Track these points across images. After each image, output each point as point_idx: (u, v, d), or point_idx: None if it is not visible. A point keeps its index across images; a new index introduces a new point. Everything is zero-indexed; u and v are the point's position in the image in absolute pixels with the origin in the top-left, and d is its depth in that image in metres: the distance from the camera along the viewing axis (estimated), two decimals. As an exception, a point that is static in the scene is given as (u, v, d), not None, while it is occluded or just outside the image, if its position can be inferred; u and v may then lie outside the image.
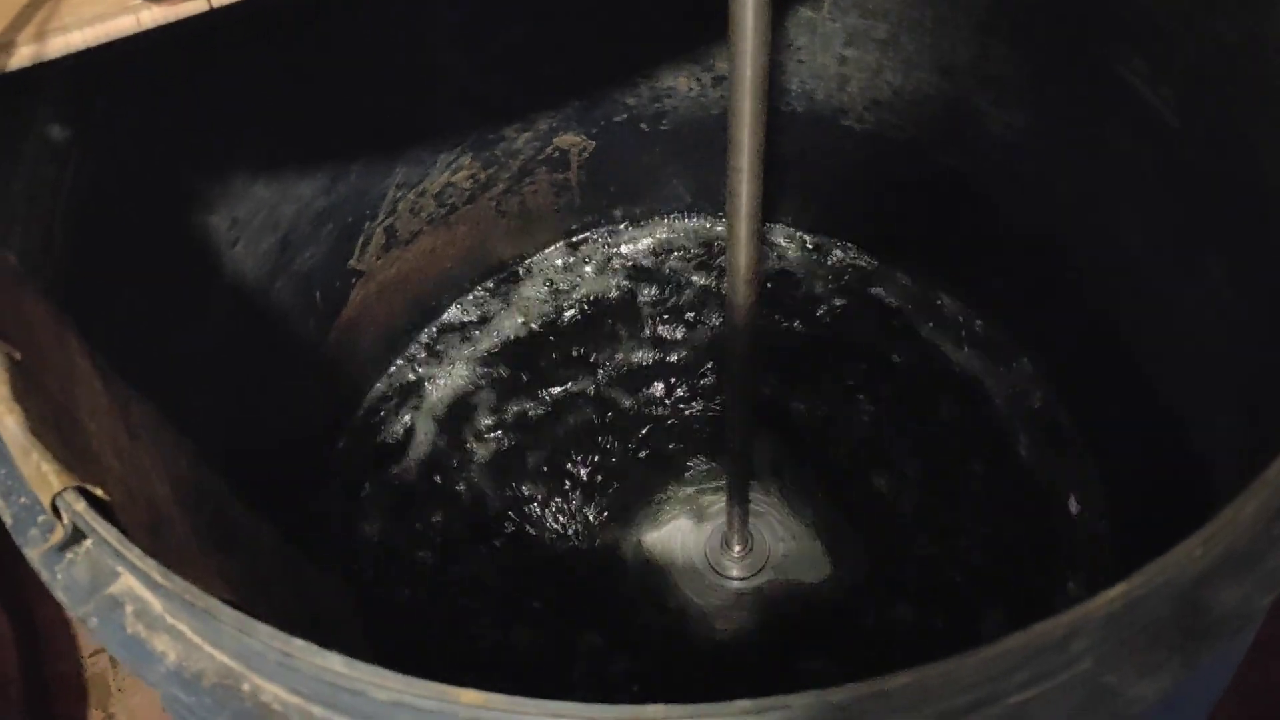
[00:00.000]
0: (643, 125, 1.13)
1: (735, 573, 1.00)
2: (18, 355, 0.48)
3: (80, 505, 0.44)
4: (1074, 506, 1.00)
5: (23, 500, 0.49)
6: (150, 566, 0.43)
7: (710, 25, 1.02)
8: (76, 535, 0.47)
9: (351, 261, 1.05)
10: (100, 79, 0.65)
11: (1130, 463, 0.97)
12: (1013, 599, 0.96)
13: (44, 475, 0.44)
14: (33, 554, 0.47)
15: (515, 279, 1.21)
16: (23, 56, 0.54)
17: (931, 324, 1.13)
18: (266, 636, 0.41)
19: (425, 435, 1.10)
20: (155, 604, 0.46)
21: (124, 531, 0.46)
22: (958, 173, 1.05)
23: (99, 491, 0.45)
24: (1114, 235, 0.93)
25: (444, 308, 1.18)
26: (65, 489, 0.44)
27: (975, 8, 0.92)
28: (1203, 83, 0.74)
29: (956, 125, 1.01)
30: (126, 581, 0.47)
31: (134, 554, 0.44)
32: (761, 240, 0.75)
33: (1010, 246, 1.06)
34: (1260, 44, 0.66)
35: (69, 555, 0.47)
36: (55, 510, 0.45)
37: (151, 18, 0.55)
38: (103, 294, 0.68)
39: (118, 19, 0.55)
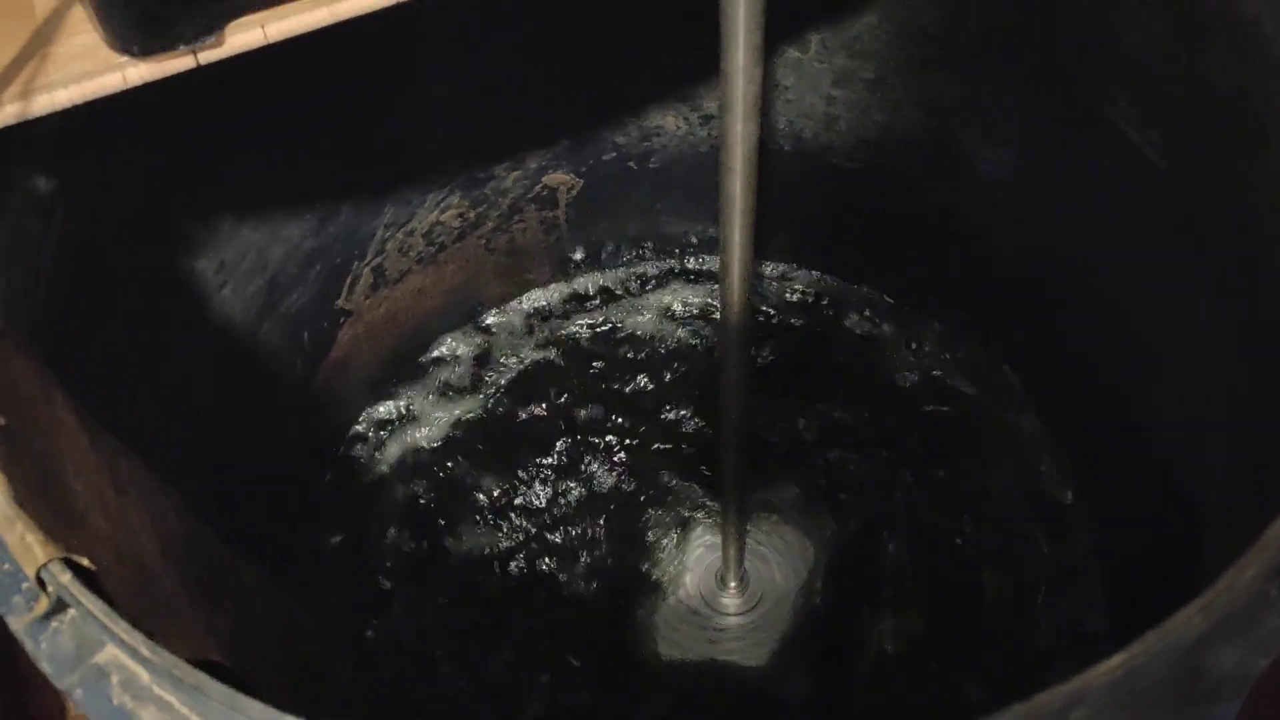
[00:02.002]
0: (631, 163, 1.13)
1: (731, 608, 1.00)
2: (2, 420, 0.48)
3: (66, 577, 0.43)
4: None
5: (6, 567, 0.48)
6: (138, 640, 0.42)
7: (698, 66, 1.03)
8: (61, 605, 0.46)
9: (339, 302, 1.04)
10: (86, 131, 0.65)
11: (1119, 503, 0.97)
12: (1007, 640, 0.96)
13: (29, 546, 0.44)
14: (16, 623, 0.46)
15: (504, 316, 1.20)
16: (7, 115, 0.54)
17: (921, 356, 1.13)
18: (258, 713, 0.40)
19: (413, 472, 1.10)
20: (142, 674, 0.46)
21: (111, 602, 0.45)
22: (947, 210, 1.05)
23: (85, 561, 0.44)
24: (1102, 274, 0.93)
25: (433, 346, 1.17)
26: (50, 560, 0.44)
27: (963, 49, 0.92)
28: (1189, 128, 0.75)
29: (945, 164, 1.01)
30: (113, 651, 0.46)
31: (120, 627, 0.43)
32: (753, 275, 0.75)
33: (999, 282, 1.06)
34: (1246, 92, 0.67)
35: (53, 624, 0.47)
36: (40, 581, 0.44)
37: (138, 74, 0.54)
38: (89, 346, 0.67)
39: (104, 76, 0.54)
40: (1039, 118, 0.91)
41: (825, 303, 1.18)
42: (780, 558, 1.02)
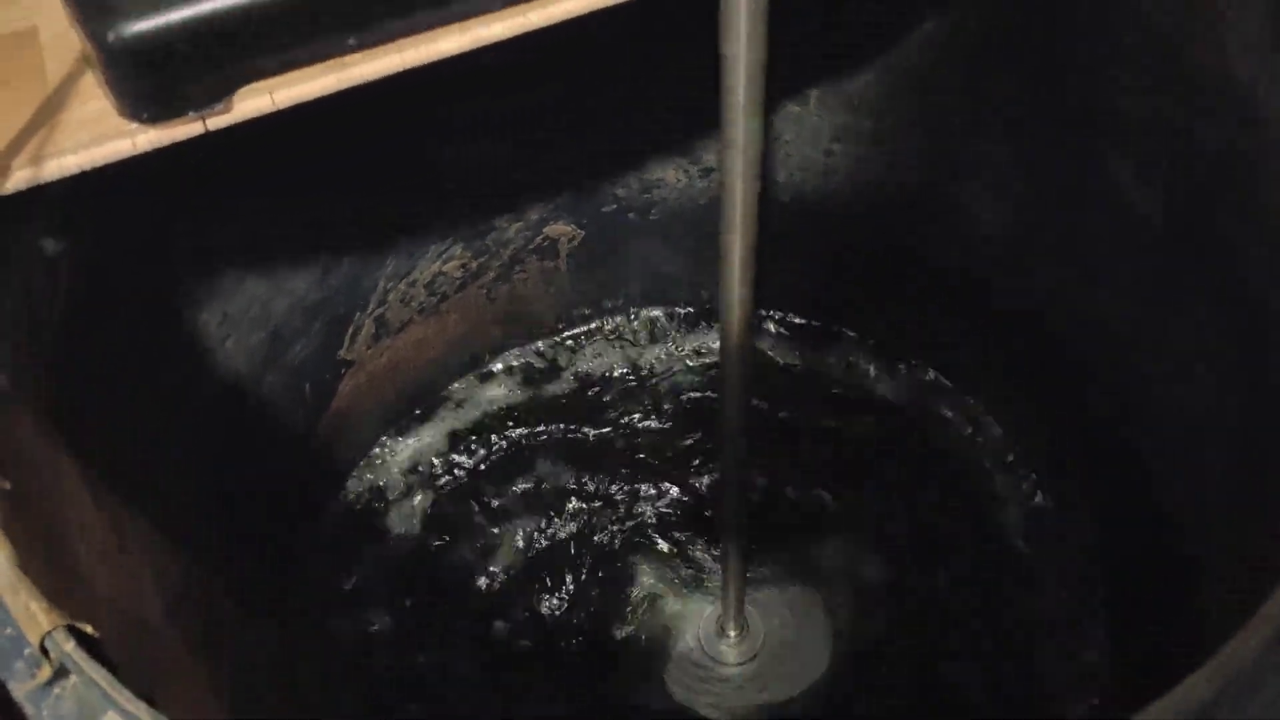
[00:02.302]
0: (632, 215, 1.14)
1: (730, 658, 0.99)
2: (7, 485, 0.48)
3: (69, 645, 0.44)
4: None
5: (8, 632, 0.48)
6: (140, 709, 0.42)
7: (698, 120, 1.04)
8: (63, 671, 0.46)
9: (341, 352, 1.05)
10: (93, 189, 0.65)
11: (1123, 557, 0.97)
12: (1008, 694, 0.95)
13: (32, 614, 0.44)
14: (18, 690, 0.46)
15: (505, 365, 1.20)
16: (19, 180, 0.54)
17: (923, 407, 1.13)
18: (258, 785, 0.40)
19: (414, 521, 1.09)
20: (144, 741, 0.45)
21: (113, 667, 0.45)
22: (946, 260, 1.06)
23: (88, 628, 0.44)
24: (1104, 330, 0.94)
25: (434, 395, 1.17)
26: (54, 628, 0.44)
27: (962, 105, 0.93)
28: (1186, 189, 0.76)
29: (943, 215, 1.02)
30: (114, 718, 0.46)
31: (123, 695, 0.43)
32: (752, 325, 0.76)
33: (1002, 335, 1.06)
34: (1239, 156, 0.68)
35: (56, 691, 0.46)
36: (44, 649, 0.44)
37: (147, 141, 0.55)
38: (94, 404, 0.67)
39: (113, 142, 0.55)
40: (1036, 172, 0.92)
41: (822, 349, 1.18)
42: (777, 608, 1.02)
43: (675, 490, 1.10)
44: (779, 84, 0.99)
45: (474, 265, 1.11)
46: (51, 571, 0.47)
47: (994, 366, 1.10)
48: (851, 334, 1.19)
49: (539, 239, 1.13)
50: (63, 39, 0.57)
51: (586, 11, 0.59)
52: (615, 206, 1.13)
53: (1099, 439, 0.99)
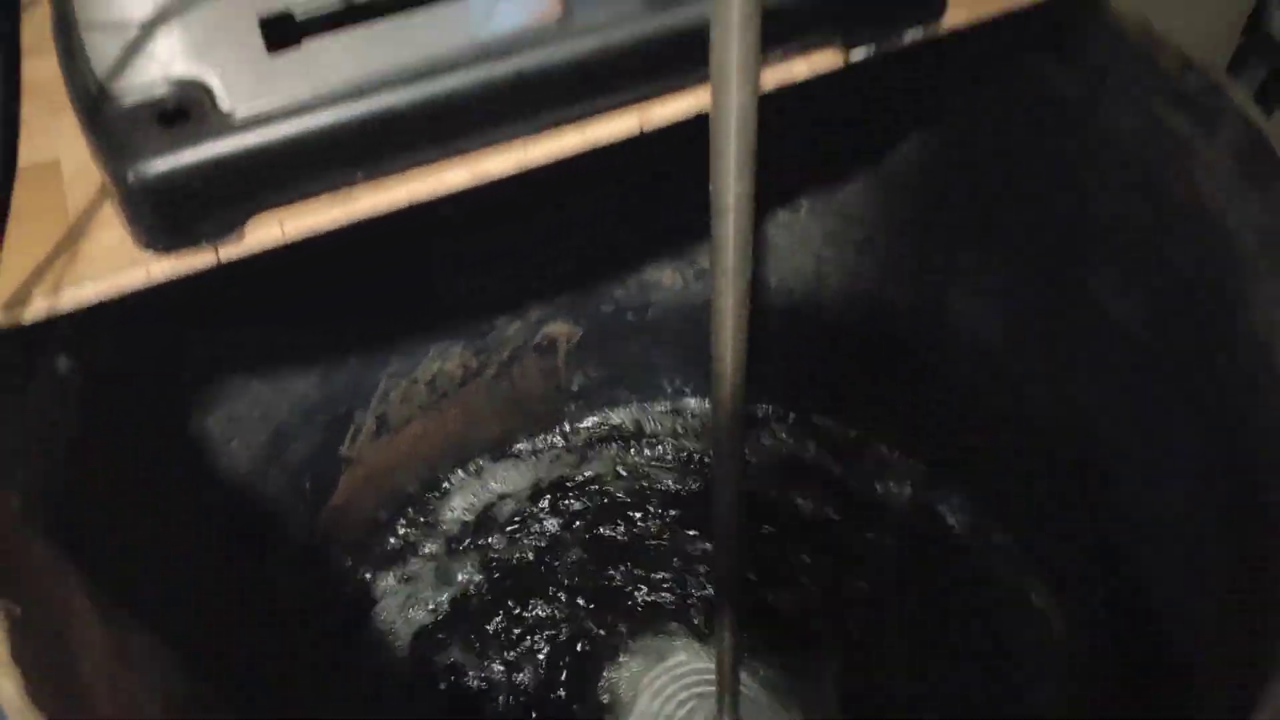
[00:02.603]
0: (629, 315, 1.16)
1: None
2: (18, 611, 0.49)
3: (73, 774, 0.45)
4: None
5: (15, 757, 0.49)
6: (141, 839, 0.43)
7: (693, 226, 1.07)
8: (67, 797, 0.47)
9: (342, 450, 1.07)
10: (108, 313, 0.68)
11: (1111, 659, 0.97)
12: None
13: (40, 743, 0.45)
14: (22, 816, 0.47)
15: (503, 461, 1.22)
16: (37, 310, 0.57)
17: (915, 503, 1.15)
18: None
19: (412, 616, 1.10)
20: None
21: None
22: (936, 365, 1.08)
23: (92, 756, 0.46)
24: (1091, 432, 0.95)
25: (432, 490, 1.19)
26: (59, 757, 0.45)
27: (949, 217, 0.96)
28: (1164, 305, 0.78)
29: (933, 322, 1.04)
30: (115, 844, 0.47)
31: (125, 824, 0.44)
32: (744, 420, 0.77)
33: (992, 434, 1.08)
34: (1211, 279, 0.70)
35: (58, 815, 0.48)
36: (48, 777, 0.45)
37: (161, 270, 0.58)
38: (100, 517, 0.69)
39: (130, 272, 0.57)
40: (1022, 281, 0.94)
41: (815, 445, 1.20)
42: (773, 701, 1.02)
43: (669, 588, 1.11)
44: (771, 191, 1.03)
45: (474, 363, 1.13)
46: (57, 698, 0.48)
47: (985, 464, 1.11)
48: (844, 430, 1.20)
49: (538, 338, 1.15)
50: (84, 171, 0.60)
51: (585, 150, 0.62)
52: (614, 307, 1.15)
53: (1088, 539, 1.00)
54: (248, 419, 0.93)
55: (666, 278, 1.14)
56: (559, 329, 1.16)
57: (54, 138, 0.61)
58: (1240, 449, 0.75)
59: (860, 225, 1.03)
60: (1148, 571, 0.92)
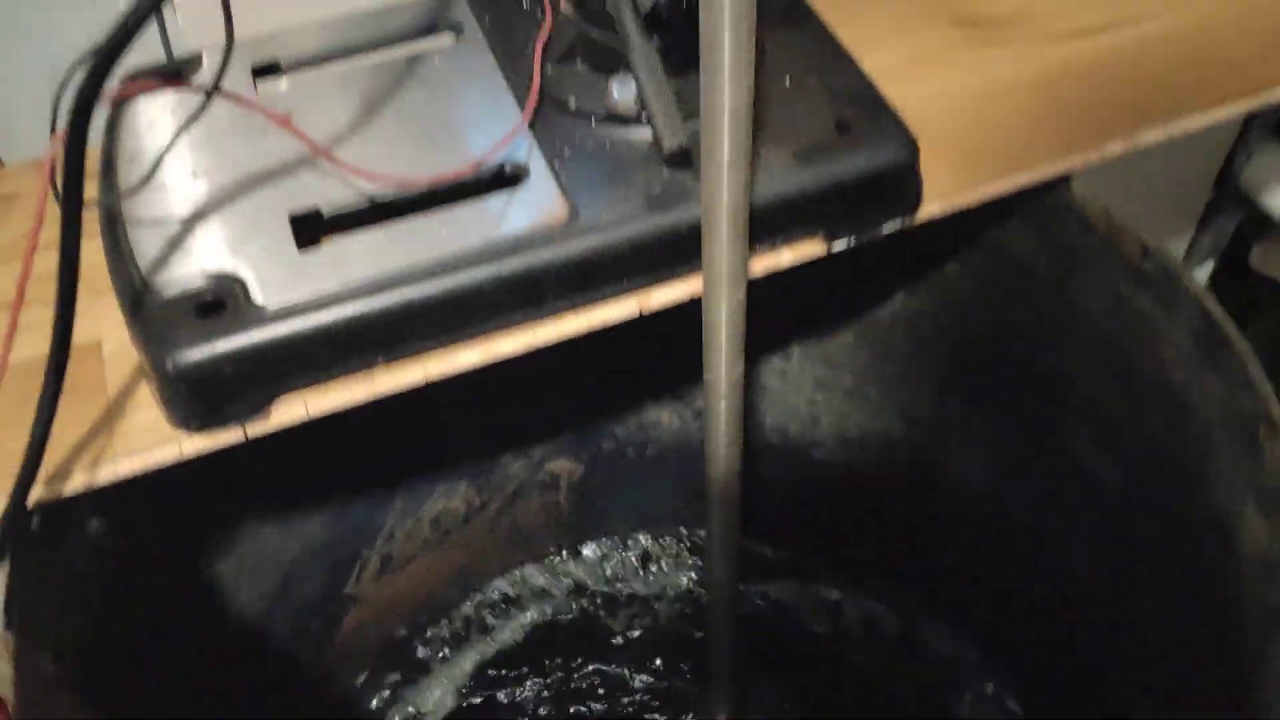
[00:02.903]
0: (629, 452, 1.20)
1: None
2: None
3: None
4: None
5: None
6: None
7: (691, 369, 1.11)
8: None
9: (347, 588, 1.09)
10: (139, 482, 0.71)
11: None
12: None
13: None
14: None
15: (505, 594, 1.25)
16: (78, 484, 0.61)
17: (906, 640, 1.17)
18: None
19: (411, 753, 1.12)
20: None
21: None
22: (923, 507, 1.11)
23: None
24: (1074, 577, 0.98)
25: (436, 624, 1.21)
26: None
27: (934, 371, 1.01)
28: (1138, 465, 0.82)
29: (921, 466, 1.08)
30: None
31: None
32: (738, 553, 0.81)
33: (981, 575, 1.11)
34: (1179, 448, 0.74)
35: None
36: None
37: (193, 447, 0.62)
38: (121, 669, 0.72)
39: (163, 449, 0.61)
40: (1005, 438, 0.98)
41: (807, 581, 1.23)
42: None
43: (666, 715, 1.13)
44: (763, 340, 1.08)
45: (478, 501, 1.17)
46: None
47: (974, 603, 1.14)
48: (835, 564, 1.23)
49: (541, 475, 1.19)
50: (123, 352, 0.64)
51: (587, 331, 0.66)
52: (614, 445, 1.19)
53: (1077, 680, 1.02)
54: (259, 563, 0.96)
55: (665, 418, 1.18)
56: (561, 465, 1.20)
57: (95, 319, 0.66)
58: (1209, 606, 0.78)
59: (849, 373, 1.07)
60: (1126, 700, 0.94)
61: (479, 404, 1.08)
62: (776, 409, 1.14)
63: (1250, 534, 0.66)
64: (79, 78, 0.46)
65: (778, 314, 1.03)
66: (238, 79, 0.70)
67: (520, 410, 1.12)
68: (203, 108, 0.64)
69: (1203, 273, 1.46)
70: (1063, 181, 0.74)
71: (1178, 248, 1.44)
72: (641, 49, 0.59)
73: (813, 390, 1.11)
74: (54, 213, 0.51)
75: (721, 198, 0.56)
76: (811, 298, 1.03)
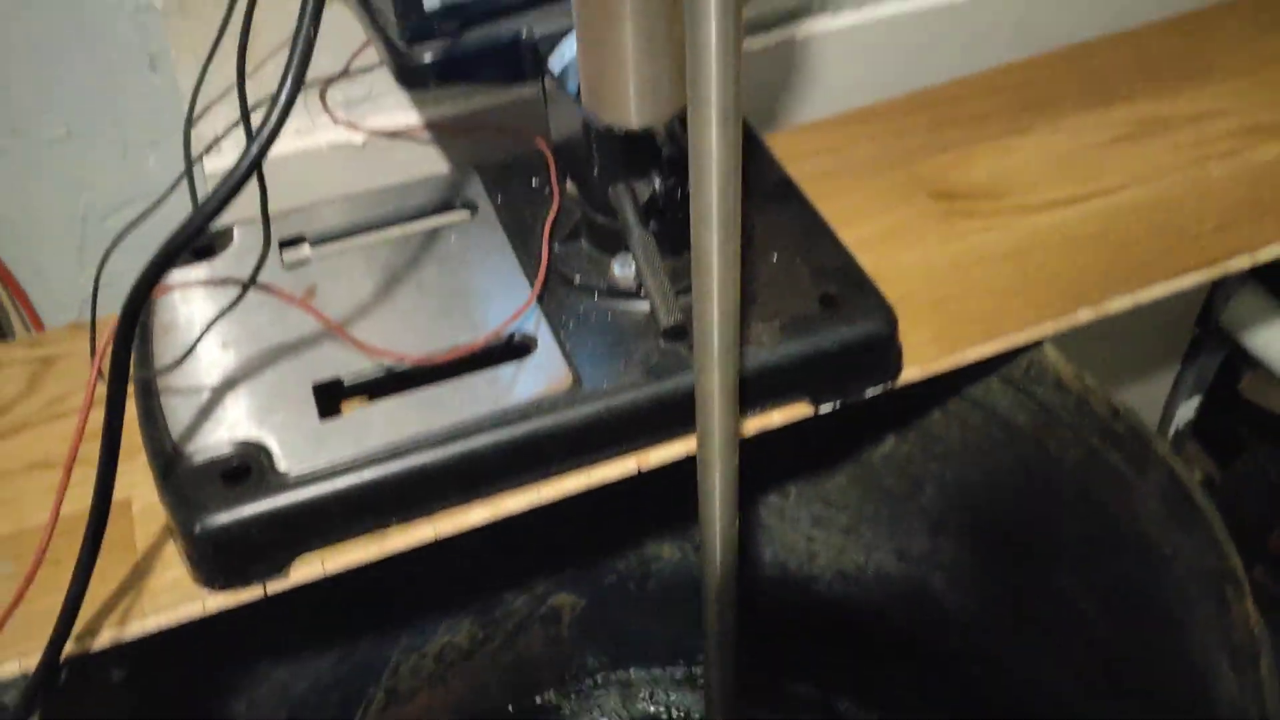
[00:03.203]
0: (631, 586, 1.23)
1: None
2: None
3: None
4: None
5: None
6: None
7: (689, 509, 1.15)
8: None
9: (353, 724, 1.11)
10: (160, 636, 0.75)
11: None
12: None
13: None
14: None
15: (506, 726, 1.26)
16: (105, 640, 0.64)
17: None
18: None
19: None
20: None
21: None
22: (919, 640, 1.14)
23: None
24: (1056, 701, 1.01)
25: (437, 758, 1.23)
26: None
27: (926, 511, 1.04)
28: (1119, 604, 0.85)
29: (915, 601, 1.11)
30: None
31: None
32: (737, 681, 0.83)
33: (973, 703, 1.13)
34: (1155, 596, 0.77)
35: None
36: None
37: (216, 604, 0.65)
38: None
39: (188, 605, 0.65)
40: (995, 574, 1.02)
41: (800, 712, 1.24)
42: None
43: None
44: (761, 480, 1.12)
45: (481, 635, 1.19)
46: None
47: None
48: (829, 694, 1.25)
49: (544, 609, 1.22)
50: (151, 511, 0.68)
51: (587, 489, 0.70)
52: (615, 579, 1.22)
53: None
54: (268, 702, 0.98)
55: (665, 552, 1.21)
56: (563, 600, 1.22)
57: (127, 478, 0.70)
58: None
59: (844, 512, 1.11)
60: None
61: (482, 543, 1.11)
62: (775, 545, 1.18)
63: (1226, 689, 0.69)
64: (118, 247, 0.50)
65: (776, 457, 1.07)
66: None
67: (522, 545, 1.15)
68: (239, 298, 0.69)
69: (1190, 406, 1.51)
70: (1037, 345, 0.78)
71: (1164, 382, 1.49)
72: (639, 236, 0.64)
73: (810, 526, 1.14)
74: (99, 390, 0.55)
75: (713, 372, 0.60)
76: (807, 441, 1.07)
